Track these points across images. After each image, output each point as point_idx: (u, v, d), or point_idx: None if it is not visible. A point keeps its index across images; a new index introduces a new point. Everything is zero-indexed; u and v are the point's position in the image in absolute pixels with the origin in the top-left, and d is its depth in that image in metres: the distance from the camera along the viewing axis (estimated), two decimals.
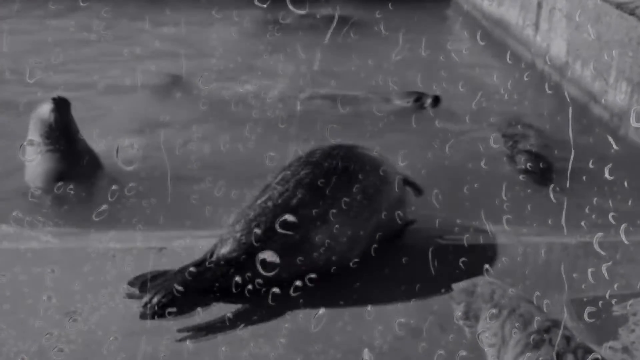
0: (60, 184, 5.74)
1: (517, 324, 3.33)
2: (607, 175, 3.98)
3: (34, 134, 5.92)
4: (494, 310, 3.46)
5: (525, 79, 8.54)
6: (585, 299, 4.11)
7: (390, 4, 7.87)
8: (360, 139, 7.01)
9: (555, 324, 3.30)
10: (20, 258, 4.63)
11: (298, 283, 4.09)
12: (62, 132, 5.89)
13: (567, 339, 3.22)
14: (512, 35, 10.92)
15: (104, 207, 5.57)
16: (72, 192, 5.70)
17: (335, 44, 10.09)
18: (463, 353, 3.67)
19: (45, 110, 5.87)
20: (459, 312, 3.63)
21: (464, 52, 10.59)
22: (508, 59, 9.58)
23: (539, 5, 9.92)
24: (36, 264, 4.54)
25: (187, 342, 3.88)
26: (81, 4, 11.37)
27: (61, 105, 5.90)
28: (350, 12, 11.41)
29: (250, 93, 8.63)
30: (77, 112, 6.35)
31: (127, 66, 9.89)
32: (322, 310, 4.10)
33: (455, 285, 3.71)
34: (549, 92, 8.76)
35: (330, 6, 11.51)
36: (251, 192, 6.19)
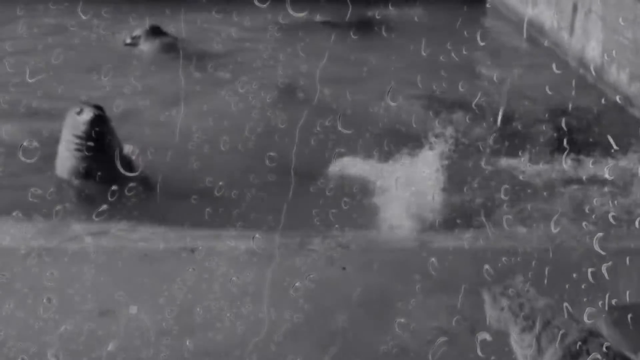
0: (80, 182, 5.80)
1: (553, 336, 3.25)
2: (606, 175, 3.97)
3: (67, 131, 5.98)
4: (526, 323, 3.37)
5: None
6: (622, 306, 4.01)
7: (390, 6, 7.84)
8: (361, 140, 7.04)
9: (593, 333, 3.23)
10: (33, 257, 4.60)
11: None
12: (96, 139, 5.93)
13: (606, 348, 3.16)
14: (546, 37, 10.79)
15: (104, 207, 5.57)
16: (90, 191, 5.72)
17: (351, 45, 10.10)
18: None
19: (84, 117, 5.89)
20: (490, 318, 3.55)
21: (492, 53, 10.49)
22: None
23: (575, 8, 9.83)
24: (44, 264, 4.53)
25: (187, 342, 3.88)
26: (81, 4, 11.35)
27: (99, 118, 5.92)
28: (379, 12, 11.34)
29: (251, 93, 8.62)
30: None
31: (127, 65, 9.89)
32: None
33: (485, 290, 3.63)
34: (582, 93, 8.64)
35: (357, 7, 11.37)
36: (251, 192, 6.22)
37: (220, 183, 6.18)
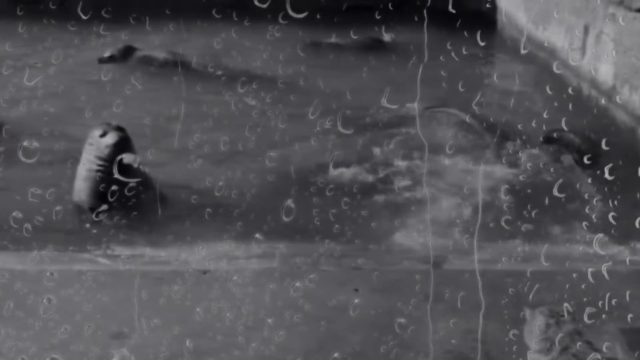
0: (103, 207, 5.71)
1: None
2: (607, 175, 3.95)
3: (89, 153, 5.88)
4: (544, 344, 3.33)
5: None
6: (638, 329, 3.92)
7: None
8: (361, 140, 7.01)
9: None
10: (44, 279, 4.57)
11: None
12: (116, 163, 5.84)
13: None
14: (557, 59, 10.67)
15: (104, 207, 5.58)
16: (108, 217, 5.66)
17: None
18: None
19: (108, 140, 5.79)
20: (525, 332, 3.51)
21: (504, 75, 10.43)
22: (518, 78, 9.50)
23: (586, 29, 9.77)
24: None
25: (187, 342, 3.87)
26: (81, 4, 11.37)
27: (124, 142, 5.84)
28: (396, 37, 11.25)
29: (251, 93, 8.62)
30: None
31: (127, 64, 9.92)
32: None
33: (527, 311, 3.58)
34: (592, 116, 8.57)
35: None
36: (251, 192, 6.21)
37: (220, 183, 6.19)
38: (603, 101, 8.80)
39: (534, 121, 7.57)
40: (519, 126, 7.47)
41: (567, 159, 6.90)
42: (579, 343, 3.27)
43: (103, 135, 5.81)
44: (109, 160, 5.75)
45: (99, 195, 5.76)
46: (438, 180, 6.59)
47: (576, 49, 9.93)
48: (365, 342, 3.98)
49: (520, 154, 7.16)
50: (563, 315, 3.41)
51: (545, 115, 7.48)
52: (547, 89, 8.76)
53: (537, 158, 7.11)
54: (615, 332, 3.91)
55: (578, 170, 6.71)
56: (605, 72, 9.00)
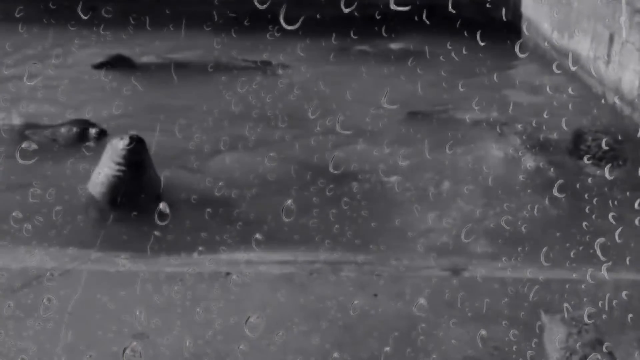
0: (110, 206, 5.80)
1: None
2: (606, 175, 3.96)
3: (108, 160, 5.96)
4: (564, 353, 3.32)
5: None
6: None
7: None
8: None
9: None
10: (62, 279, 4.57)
11: None
12: (132, 167, 5.92)
13: None
14: (582, 68, 10.64)
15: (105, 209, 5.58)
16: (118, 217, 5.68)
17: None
18: None
19: (124, 143, 5.89)
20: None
21: (527, 84, 10.41)
22: (542, 87, 9.47)
23: (611, 38, 9.75)
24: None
25: (187, 342, 3.88)
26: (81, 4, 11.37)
27: (136, 146, 5.91)
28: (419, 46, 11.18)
29: (251, 93, 8.63)
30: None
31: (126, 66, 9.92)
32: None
33: (546, 314, 3.55)
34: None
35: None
36: (251, 192, 6.22)
37: (220, 183, 6.20)
38: (627, 111, 8.81)
39: (559, 128, 7.56)
40: (544, 131, 7.49)
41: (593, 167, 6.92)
42: (595, 354, 3.26)
43: (120, 140, 5.92)
44: (124, 163, 5.84)
45: (114, 201, 5.85)
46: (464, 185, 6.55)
47: (601, 57, 9.90)
48: (382, 347, 3.99)
49: (546, 159, 7.15)
50: (586, 324, 3.38)
51: (564, 124, 7.49)
52: (573, 97, 8.80)
53: (566, 164, 7.10)
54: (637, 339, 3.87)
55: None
56: (630, 81, 8.99)
